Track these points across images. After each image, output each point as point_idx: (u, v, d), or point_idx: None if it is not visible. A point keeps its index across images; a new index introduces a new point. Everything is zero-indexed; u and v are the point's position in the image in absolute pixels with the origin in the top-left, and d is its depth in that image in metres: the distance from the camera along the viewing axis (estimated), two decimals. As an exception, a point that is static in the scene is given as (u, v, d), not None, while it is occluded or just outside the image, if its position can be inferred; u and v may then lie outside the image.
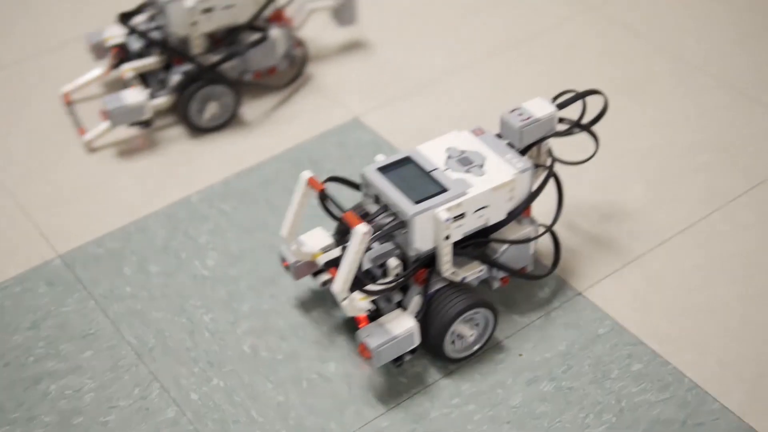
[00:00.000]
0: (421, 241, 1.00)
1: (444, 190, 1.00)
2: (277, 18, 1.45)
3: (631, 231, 1.24)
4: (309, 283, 1.20)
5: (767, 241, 1.23)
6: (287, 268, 1.12)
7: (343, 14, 1.52)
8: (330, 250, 1.07)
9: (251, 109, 1.46)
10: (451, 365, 1.10)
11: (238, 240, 1.26)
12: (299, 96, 1.48)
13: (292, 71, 1.50)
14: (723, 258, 1.21)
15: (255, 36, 1.40)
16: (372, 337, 1.00)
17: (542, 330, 1.14)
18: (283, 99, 1.47)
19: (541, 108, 1.07)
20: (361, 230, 0.97)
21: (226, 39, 1.40)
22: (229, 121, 1.42)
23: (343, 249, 1.04)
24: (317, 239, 1.08)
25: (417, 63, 1.53)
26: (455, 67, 1.52)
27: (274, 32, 1.42)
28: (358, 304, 1.01)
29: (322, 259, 1.06)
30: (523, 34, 1.58)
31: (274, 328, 1.15)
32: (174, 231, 1.28)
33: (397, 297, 1.05)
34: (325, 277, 1.12)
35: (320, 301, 1.18)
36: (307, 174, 1.06)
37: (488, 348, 1.12)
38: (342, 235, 1.10)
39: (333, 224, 1.22)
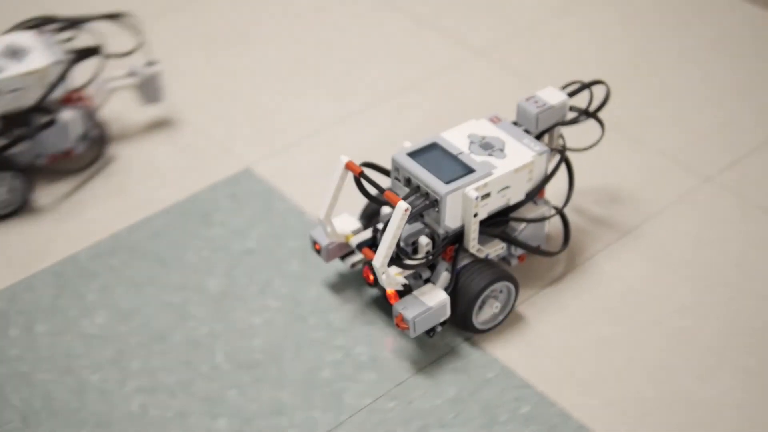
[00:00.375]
0: (450, 219, 1.08)
1: (472, 170, 1.08)
2: (74, 99, 1.40)
3: (515, 274, 1.26)
4: (198, 338, 1.19)
5: (648, 279, 1.26)
6: (319, 251, 1.16)
7: (148, 91, 1.47)
8: (359, 233, 1.15)
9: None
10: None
11: (128, 296, 1.25)
12: (186, 147, 1.48)
13: (91, 153, 1.44)
14: (605, 297, 1.24)
15: (44, 119, 1.35)
16: (408, 309, 1.07)
17: (432, 377, 1.15)
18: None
19: (554, 96, 1.16)
20: (402, 206, 1.03)
21: (17, 122, 1.34)
22: (20, 208, 1.36)
23: (374, 231, 1.12)
24: (346, 223, 1.15)
25: (302, 113, 1.54)
26: (340, 116, 1.53)
27: (66, 114, 1.37)
28: (395, 278, 1.07)
29: (355, 241, 1.13)
30: (409, 78, 1.60)
31: (163, 385, 1.14)
32: (62, 289, 1.26)
33: (425, 274, 1.11)
34: (354, 258, 1.18)
35: (209, 355, 1.18)
36: (344, 158, 1.10)
37: (379, 397, 1.13)
38: (368, 219, 1.17)
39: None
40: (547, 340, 1.19)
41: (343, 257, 1.19)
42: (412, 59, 1.64)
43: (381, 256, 1.05)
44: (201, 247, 1.31)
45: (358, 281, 1.25)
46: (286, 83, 1.60)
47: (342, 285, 1.25)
